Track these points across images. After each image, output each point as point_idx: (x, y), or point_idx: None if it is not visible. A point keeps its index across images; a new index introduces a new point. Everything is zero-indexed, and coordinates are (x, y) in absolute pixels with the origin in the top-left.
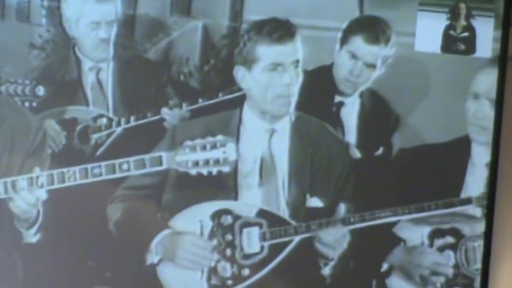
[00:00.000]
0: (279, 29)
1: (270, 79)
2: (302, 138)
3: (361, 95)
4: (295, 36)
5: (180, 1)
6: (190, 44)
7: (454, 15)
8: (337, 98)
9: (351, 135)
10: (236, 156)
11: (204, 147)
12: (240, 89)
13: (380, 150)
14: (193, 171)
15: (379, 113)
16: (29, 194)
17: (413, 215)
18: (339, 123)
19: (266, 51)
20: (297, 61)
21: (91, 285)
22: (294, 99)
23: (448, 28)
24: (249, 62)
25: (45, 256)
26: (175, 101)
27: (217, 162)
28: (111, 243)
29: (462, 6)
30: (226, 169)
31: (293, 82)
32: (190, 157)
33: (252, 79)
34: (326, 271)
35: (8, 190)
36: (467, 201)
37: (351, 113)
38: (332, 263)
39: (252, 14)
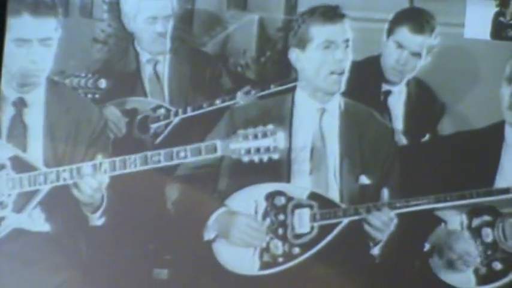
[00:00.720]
0: (331, 11)
1: (324, 56)
2: (351, 119)
3: (408, 84)
4: (344, 19)
5: None
6: (246, 37)
7: (503, 2)
8: (385, 87)
9: (398, 123)
10: (285, 145)
11: (255, 136)
12: (291, 80)
13: (426, 137)
14: (245, 158)
15: (425, 101)
16: (93, 179)
17: (455, 202)
18: (386, 111)
19: (319, 30)
20: (347, 40)
21: (151, 268)
22: (344, 77)
23: (498, 15)
24: (303, 43)
25: (108, 239)
26: (248, 88)
27: (267, 150)
28: (170, 225)
29: None
30: (276, 156)
31: (344, 58)
32: (243, 145)
33: (306, 58)
34: (375, 251)
35: (73, 176)
36: (506, 191)
37: (397, 101)
38: (380, 244)
39: (306, 7)
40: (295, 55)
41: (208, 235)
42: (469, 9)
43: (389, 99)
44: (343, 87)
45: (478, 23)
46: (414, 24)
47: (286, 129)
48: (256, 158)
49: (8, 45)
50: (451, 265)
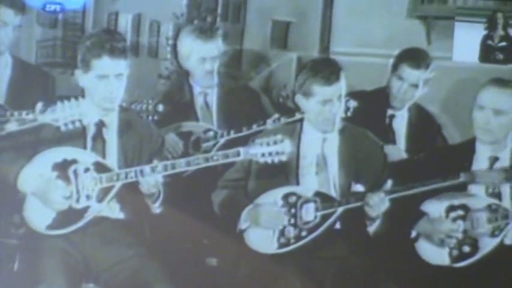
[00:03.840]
0: (331, 75)
1: (322, 109)
2: (347, 141)
3: (409, 109)
4: (340, 77)
5: (278, 37)
6: (287, 72)
7: (491, 25)
8: (390, 112)
9: (401, 142)
10: (290, 149)
11: (268, 143)
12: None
13: (421, 154)
14: (261, 160)
15: (423, 123)
16: (151, 178)
17: (423, 188)
18: (391, 132)
19: (319, 90)
20: (340, 95)
21: (204, 258)
22: (337, 120)
23: (486, 38)
24: (306, 95)
25: (165, 226)
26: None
27: (277, 153)
28: (216, 222)
29: (499, 15)
30: (283, 158)
31: (338, 111)
32: (259, 150)
33: (309, 106)
34: (371, 229)
35: (137, 175)
36: (457, 177)
37: (401, 123)
38: (375, 224)
39: (337, 46)
40: (299, 101)
41: (241, 226)
42: (457, 32)
43: (393, 122)
44: (338, 127)
45: (466, 46)
46: (412, 61)
47: (295, 145)
48: (269, 160)
49: (92, 80)
50: (442, 243)
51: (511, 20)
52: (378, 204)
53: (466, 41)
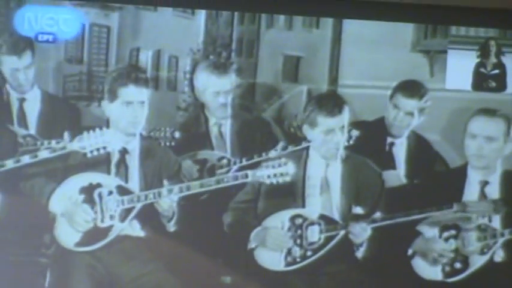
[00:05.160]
0: (334, 107)
1: (325, 138)
2: (349, 169)
3: (408, 137)
4: (343, 110)
5: (289, 71)
6: (298, 104)
7: (484, 53)
8: (389, 140)
9: (401, 168)
10: (293, 171)
11: (273, 166)
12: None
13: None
14: (267, 181)
15: (421, 151)
16: (167, 199)
17: (418, 216)
18: (391, 159)
19: (323, 121)
20: (343, 126)
21: (219, 276)
22: (340, 150)
23: (479, 66)
24: (311, 125)
25: (180, 244)
26: (281, 144)
27: (281, 175)
28: (227, 241)
29: (492, 43)
30: (287, 179)
31: (340, 140)
32: (265, 172)
33: (313, 136)
34: (359, 254)
35: (156, 197)
36: (450, 206)
37: (400, 150)
38: (362, 249)
39: (345, 79)
40: (306, 131)
41: (250, 245)
42: (450, 60)
43: (393, 149)
44: (341, 156)
45: (459, 74)
46: (406, 91)
47: (302, 169)
48: (274, 181)
49: (118, 107)
50: (435, 261)
51: (503, 47)
52: (361, 232)
53: (459, 68)
